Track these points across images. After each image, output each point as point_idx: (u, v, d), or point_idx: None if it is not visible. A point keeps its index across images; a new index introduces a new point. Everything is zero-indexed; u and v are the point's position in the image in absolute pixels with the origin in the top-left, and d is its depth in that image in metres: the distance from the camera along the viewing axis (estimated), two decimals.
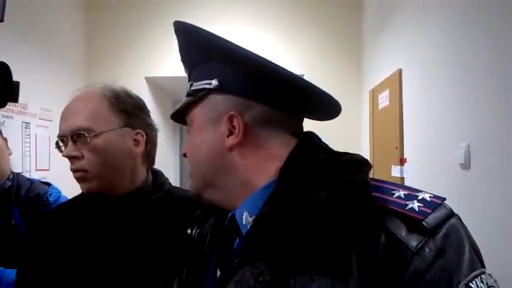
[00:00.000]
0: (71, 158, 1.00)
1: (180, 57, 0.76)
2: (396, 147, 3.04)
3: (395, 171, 3.07)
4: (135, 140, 1.05)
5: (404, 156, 2.96)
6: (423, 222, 0.54)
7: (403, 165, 2.97)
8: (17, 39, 3.16)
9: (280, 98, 0.67)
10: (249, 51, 0.65)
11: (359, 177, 0.59)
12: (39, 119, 3.48)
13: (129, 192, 1.04)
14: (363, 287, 0.52)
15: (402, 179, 2.96)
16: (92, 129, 0.98)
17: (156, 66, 4.17)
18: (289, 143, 0.68)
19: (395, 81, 3.07)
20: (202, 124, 0.69)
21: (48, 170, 3.53)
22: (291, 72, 0.65)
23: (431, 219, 0.55)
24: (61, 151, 1.02)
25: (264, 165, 0.66)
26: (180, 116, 0.75)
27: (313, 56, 4.22)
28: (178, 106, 0.74)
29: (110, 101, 1.02)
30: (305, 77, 0.68)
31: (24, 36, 3.28)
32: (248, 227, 0.65)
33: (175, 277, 0.81)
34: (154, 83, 4.40)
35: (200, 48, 0.69)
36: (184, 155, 0.74)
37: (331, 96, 0.69)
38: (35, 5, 3.45)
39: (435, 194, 0.60)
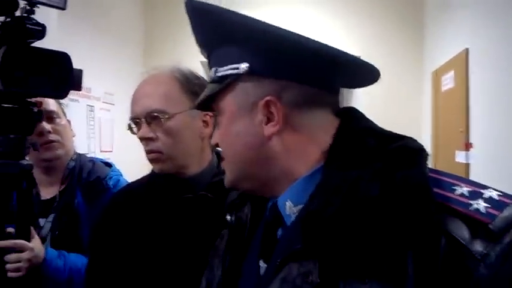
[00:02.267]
0: (145, 140, 1.02)
1: (195, 40, 0.70)
2: (461, 131, 2.89)
3: (460, 157, 2.92)
4: (203, 121, 1.06)
5: (471, 141, 2.81)
6: (489, 225, 0.49)
7: (468, 150, 2.82)
8: (80, 26, 3.29)
9: (317, 74, 0.62)
10: (277, 27, 0.59)
11: (417, 172, 0.53)
12: (103, 102, 3.64)
13: (196, 173, 1.06)
14: None
15: (467, 164, 2.82)
16: (166, 112, 1.00)
17: None
18: (331, 123, 0.63)
19: (461, 62, 2.91)
20: (235, 114, 0.63)
21: (111, 151, 3.71)
22: (324, 44, 0.59)
23: (499, 221, 0.49)
24: (133, 133, 1.05)
25: (305, 151, 0.62)
26: (206, 104, 0.69)
27: (371, 36, 4.06)
28: (203, 95, 0.68)
29: (180, 83, 1.04)
30: (362, 59, 0.62)
31: (87, 22, 3.41)
32: (292, 217, 0.62)
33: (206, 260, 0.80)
34: None
35: (221, 30, 0.63)
36: (216, 146, 0.70)
37: (366, 62, 0.63)
38: None
39: (504, 191, 0.54)
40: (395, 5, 4.08)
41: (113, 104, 3.75)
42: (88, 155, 1.59)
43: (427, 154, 0.56)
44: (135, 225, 1.06)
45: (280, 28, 0.59)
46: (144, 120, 1.01)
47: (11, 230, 1.14)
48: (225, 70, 0.63)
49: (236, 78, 0.62)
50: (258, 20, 0.59)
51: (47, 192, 1.42)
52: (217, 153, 1.15)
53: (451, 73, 3.16)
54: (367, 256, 0.50)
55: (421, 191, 0.52)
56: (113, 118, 3.73)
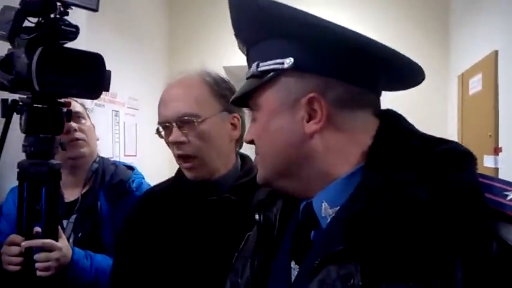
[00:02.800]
0: (177, 144, 1.01)
1: (235, 33, 0.68)
2: (490, 136, 2.82)
3: (488, 161, 2.85)
4: (232, 124, 1.06)
5: (499, 145, 2.73)
6: None
7: (497, 154, 2.75)
8: (108, 30, 3.35)
9: (363, 73, 0.60)
10: (327, 21, 0.57)
11: (468, 176, 0.52)
12: (127, 107, 3.69)
13: (221, 176, 1.06)
14: None
15: (496, 169, 2.75)
16: (198, 115, 1.00)
17: (234, 55, 4.22)
18: (371, 124, 0.61)
19: (490, 64, 2.84)
20: (276, 109, 0.62)
21: (135, 155, 3.75)
22: (375, 40, 0.58)
23: None
24: (161, 137, 1.05)
25: (345, 151, 0.60)
26: (243, 100, 0.68)
27: (394, 37, 3.97)
28: (241, 89, 0.67)
29: (210, 86, 1.04)
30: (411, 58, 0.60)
31: (115, 27, 3.46)
32: (328, 219, 0.60)
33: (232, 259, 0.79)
34: (232, 73, 4.46)
35: (268, 23, 0.61)
36: (250, 142, 0.68)
37: (414, 62, 0.62)
38: None
39: None
40: (419, 5, 4.00)
41: (137, 109, 3.80)
42: (112, 159, 1.61)
43: (476, 158, 0.55)
44: (159, 227, 1.06)
45: (331, 22, 0.57)
46: (175, 124, 1.00)
47: (37, 229, 1.15)
48: (268, 65, 0.61)
49: (279, 73, 0.61)
50: (307, 13, 0.58)
51: (70, 194, 1.44)
52: (242, 156, 1.15)
53: (479, 76, 3.09)
54: (412, 259, 0.49)
55: (474, 195, 0.50)
56: (136, 123, 3.78)
